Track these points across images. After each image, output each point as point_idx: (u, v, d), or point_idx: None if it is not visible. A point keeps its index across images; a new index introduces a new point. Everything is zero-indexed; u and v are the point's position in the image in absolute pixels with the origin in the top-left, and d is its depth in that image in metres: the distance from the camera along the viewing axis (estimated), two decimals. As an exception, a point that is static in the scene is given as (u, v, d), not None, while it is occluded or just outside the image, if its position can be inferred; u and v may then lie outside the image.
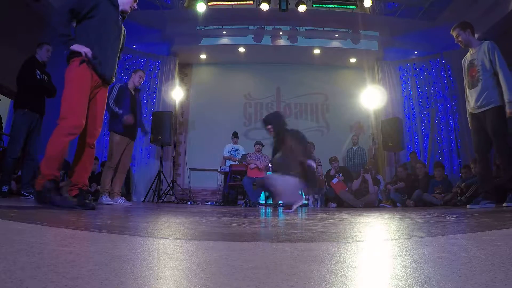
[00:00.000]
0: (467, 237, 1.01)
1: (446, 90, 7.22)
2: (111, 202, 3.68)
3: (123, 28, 2.63)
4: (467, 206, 3.39)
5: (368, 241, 1.06)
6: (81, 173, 2.41)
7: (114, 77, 2.60)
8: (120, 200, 3.87)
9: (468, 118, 3.34)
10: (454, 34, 3.32)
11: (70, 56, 2.29)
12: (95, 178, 5.32)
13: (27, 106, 3.87)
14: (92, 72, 2.33)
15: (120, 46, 2.60)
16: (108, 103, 3.72)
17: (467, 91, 3.29)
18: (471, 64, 3.23)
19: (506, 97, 2.94)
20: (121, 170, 3.97)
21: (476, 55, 3.17)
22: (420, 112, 7.42)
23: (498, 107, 3.01)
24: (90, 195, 4.78)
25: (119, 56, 2.64)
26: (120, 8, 2.52)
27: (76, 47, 2.25)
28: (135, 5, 2.61)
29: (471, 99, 3.22)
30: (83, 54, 2.24)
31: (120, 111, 3.81)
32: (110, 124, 3.92)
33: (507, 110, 2.94)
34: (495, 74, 3.04)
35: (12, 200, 3.30)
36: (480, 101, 3.10)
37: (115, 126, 3.86)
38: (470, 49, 3.29)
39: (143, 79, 4.20)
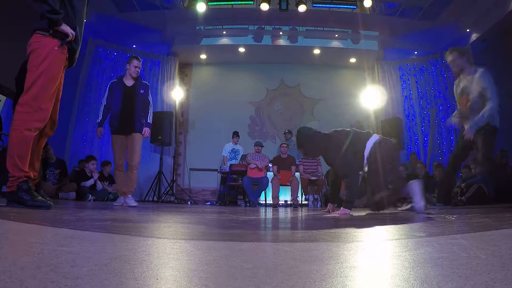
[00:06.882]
0: (467, 237, 1.01)
1: (446, 90, 7.22)
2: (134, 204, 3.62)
3: None
4: None
5: (368, 241, 1.06)
6: (35, 163, 2.18)
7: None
8: (121, 200, 3.75)
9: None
10: (450, 57, 3.31)
11: (54, 34, 2.05)
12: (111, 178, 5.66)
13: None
14: (66, 55, 2.14)
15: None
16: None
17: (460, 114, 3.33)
18: (463, 91, 3.22)
19: (476, 120, 2.99)
20: (128, 168, 3.83)
21: (470, 83, 3.15)
22: (420, 112, 7.42)
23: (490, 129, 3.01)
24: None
25: None
26: None
27: (65, 27, 2.03)
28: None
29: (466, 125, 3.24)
30: (70, 36, 2.06)
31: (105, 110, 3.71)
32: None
33: (467, 132, 3.04)
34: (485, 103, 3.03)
35: (12, 200, 3.29)
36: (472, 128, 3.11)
37: (109, 126, 3.71)
38: (461, 74, 3.29)
39: (139, 68, 3.86)
